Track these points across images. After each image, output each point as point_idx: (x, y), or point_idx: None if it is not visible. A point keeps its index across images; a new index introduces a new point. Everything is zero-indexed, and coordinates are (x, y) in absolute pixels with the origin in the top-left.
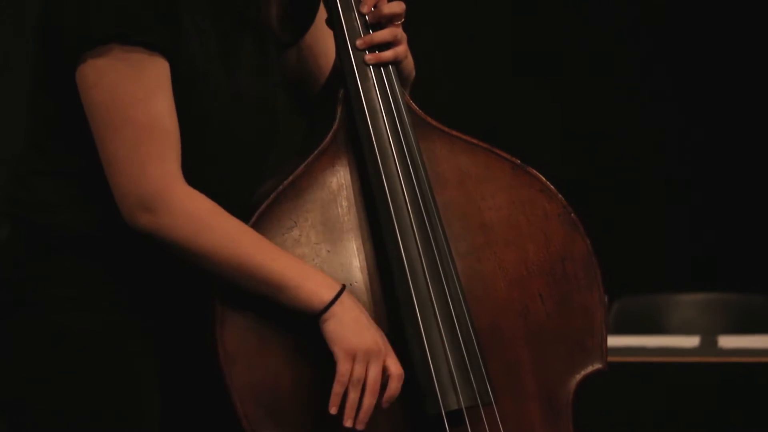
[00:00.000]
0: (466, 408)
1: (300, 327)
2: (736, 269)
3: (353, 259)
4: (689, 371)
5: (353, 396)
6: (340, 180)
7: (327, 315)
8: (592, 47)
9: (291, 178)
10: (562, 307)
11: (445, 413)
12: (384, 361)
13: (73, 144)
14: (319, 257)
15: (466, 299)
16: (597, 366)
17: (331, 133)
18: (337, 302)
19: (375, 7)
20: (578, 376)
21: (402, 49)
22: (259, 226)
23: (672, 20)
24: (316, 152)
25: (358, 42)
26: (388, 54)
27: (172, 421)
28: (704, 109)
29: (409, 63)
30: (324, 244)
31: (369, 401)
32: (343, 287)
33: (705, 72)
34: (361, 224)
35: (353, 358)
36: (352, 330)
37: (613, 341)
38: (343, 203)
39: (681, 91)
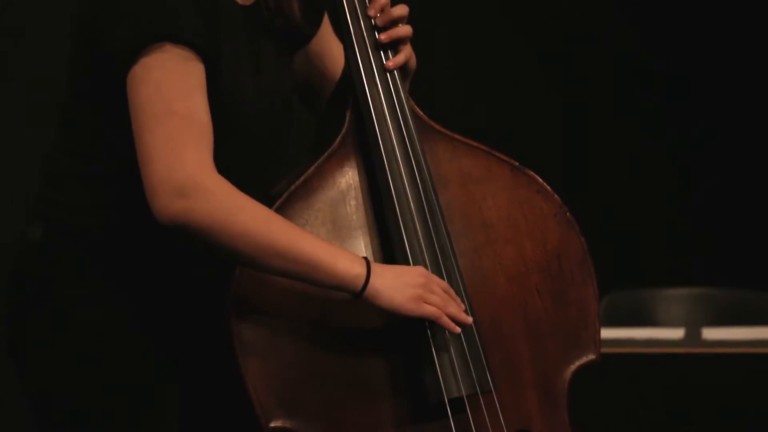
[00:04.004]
0: (466, 396)
1: (312, 320)
2: (719, 266)
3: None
4: (675, 361)
5: (454, 311)
6: (348, 180)
7: (371, 292)
8: (591, 46)
9: (302, 178)
10: (558, 301)
11: (447, 401)
12: (436, 281)
13: (105, 148)
14: None
15: (468, 294)
16: (591, 357)
17: (340, 136)
18: (372, 274)
19: (382, 11)
20: (573, 367)
21: (410, 49)
22: None
23: (673, 18)
24: (326, 154)
25: (383, 36)
26: (401, 57)
27: (190, 409)
28: (694, 107)
29: (413, 59)
30: (334, 241)
31: (456, 306)
32: (366, 259)
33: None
34: (369, 222)
35: (423, 301)
36: (400, 287)
37: (604, 333)
38: (352, 202)
39: (681, 90)
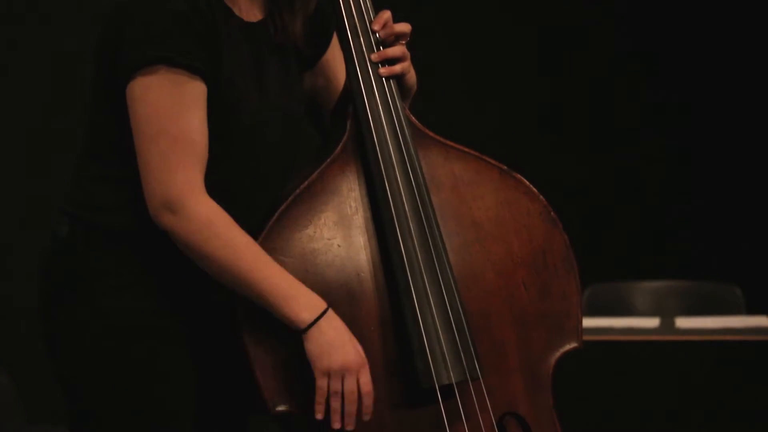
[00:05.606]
0: (456, 383)
1: None
2: (692, 260)
3: (361, 253)
4: (651, 348)
5: (334, 405)
6: (349, 184)
7: (306, 335)
8: (588, 44)
9: (306, 183)
10: (543, 293)
11: (438, 387)
12: (357, 377)
13: (122, 153)
14: (331, 251)
15: (458, 287)
16: (573, 345)
17: (341, 144)
18: (315, 326)
19: (385, 25)
20: (557, 354)
21: (407, 64)
22: (279, 225)
23: (671, 21)
24: (328, 160)
25: (374, 56)
26: (397, 68)
27: (206, 390)
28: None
29: (412, 77)
30: (335, 240)
31: (349, 409)
32: (326, 309)
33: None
34: (368, 223)
35: (328, 375)
36: (326, 351)
37: (585, 323)
38: (352, 204)
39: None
